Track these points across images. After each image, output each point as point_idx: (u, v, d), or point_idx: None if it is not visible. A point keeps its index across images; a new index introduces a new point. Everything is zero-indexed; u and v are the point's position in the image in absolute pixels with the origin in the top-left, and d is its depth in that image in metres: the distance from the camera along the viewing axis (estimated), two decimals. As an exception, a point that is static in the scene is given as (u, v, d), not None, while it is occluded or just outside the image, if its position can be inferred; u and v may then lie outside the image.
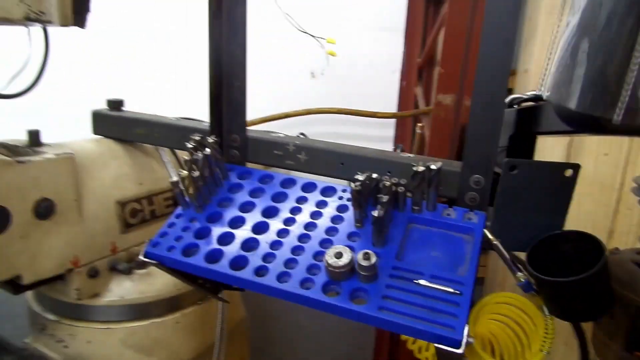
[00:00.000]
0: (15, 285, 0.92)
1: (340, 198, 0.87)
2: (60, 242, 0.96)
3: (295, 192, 0.90)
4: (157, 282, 1.10)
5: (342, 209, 0.85)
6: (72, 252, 0.99)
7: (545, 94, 0.65)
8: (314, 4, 1.74)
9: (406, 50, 1.85)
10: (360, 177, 0.77)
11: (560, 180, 0.75)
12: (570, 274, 0.72)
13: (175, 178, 0.84)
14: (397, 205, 0.82)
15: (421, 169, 0.76)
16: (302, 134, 1.69)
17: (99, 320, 1.05)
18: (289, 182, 0.92)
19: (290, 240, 0.80)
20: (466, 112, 1.41)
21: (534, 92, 0.78)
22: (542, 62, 0.72)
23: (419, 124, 1.52)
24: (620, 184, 1.40)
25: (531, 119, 0.78)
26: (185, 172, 0.84)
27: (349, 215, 0.83)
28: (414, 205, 0.82)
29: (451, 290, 0.70)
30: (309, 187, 0.91)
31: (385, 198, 0.75)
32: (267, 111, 1.68)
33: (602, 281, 0.68)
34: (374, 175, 0.80)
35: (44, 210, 0.91)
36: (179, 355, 1.13)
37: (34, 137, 1.00)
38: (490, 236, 0.78)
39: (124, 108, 1.20)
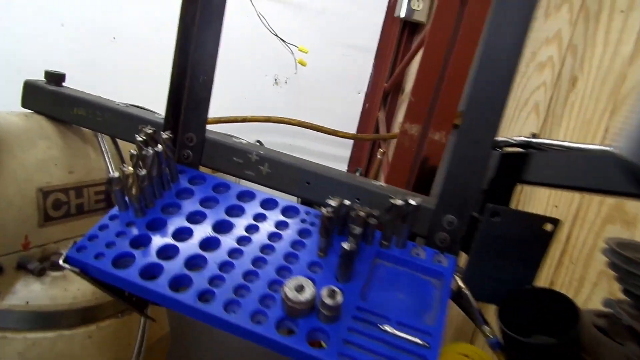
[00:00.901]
0: None
1: (303, 221, 0.79)
2: (-42, 229, 0.80)
3: (253, 207, 0.80)
4: (72, 288, 0.95)
5: (304, 233, 0.77)
6: (-28, 242, 0.83)
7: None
8: (290, 9, 1.66)
9: (374, 72, 1.82)
10: (333, 203, 0.69)
11: (539, 233, 0.72)
12: (537, 332, 0.68)
13: (116, 174, 0.73)
14: (365, 237, 0.75)
15: (399, 202, 0.70)
16: (258, 141, 1.60)
17: (-6, 327, 0.88)
18: (247, 195, 0.83)
19: (244, 263, 0.70)
20: (430, 145, 1.39)
21: (522, 138, 0.75)
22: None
23: (381, 150, 1.48)
24: (567, 237, 1.43)
25: (517, 166, 0.74)
26: (130, 169, 0.72)
27: (312, 241, 0.75)
28: (383, 240, 0.75)
29: (419, 341, 0.63)
30: (269, 203, 0.82)
31: (357, 230, 0.67)
32: (222, 111, 1.57)
33: (575, 347, 0.64)
34: (346, 202, 0.72)
35: (-56, 189, 0.76)
36: (87, 373, 0.98)
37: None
38: (460, 283, 0.72)
39: (64, 84, 1.05)
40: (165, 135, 0.79)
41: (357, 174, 1.51)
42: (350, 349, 0.61)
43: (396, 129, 1.75)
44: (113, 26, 1.68)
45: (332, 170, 0.87)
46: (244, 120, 1.53)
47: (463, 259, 0.78)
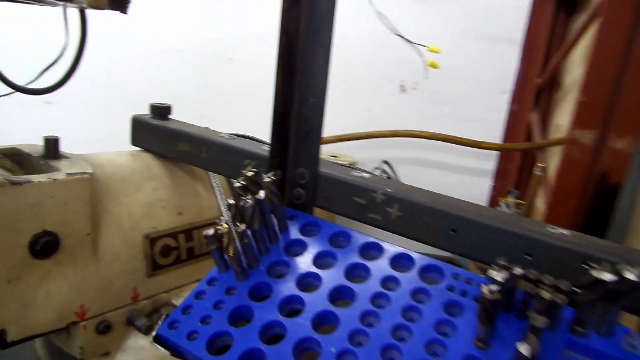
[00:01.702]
0: (2, 339, 0.71)
1: (451, 289, 0.58)
2: (62, 287, 0.75)
3: (381, 267, 0.62)
4: (183, 346, 0.86)
5: (453, 307, 0.56)
6: (79, 300, 0.77)
7: None
8: (415, 3, 1.45)
9: (522, 67, 1.51)
10: (497, 277, 0.47)
11: None
12: None
13: (210, 231, 0.60)
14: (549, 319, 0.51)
15: (608, 277, 0.45)
16: (385, 161, 1.42)
17: (105, 387, 0.82)
18: (373, 249, 0.65)
19: (370, 351, 0.52)
20: (611, 156, 1.07)
21: None
22: None
23: (540, 165, 1.19)
24: None
25: None
26: (224, 226, 0.59)
27: (465, 322, 0.54)
28: (577, 325, 0.51)
29: None
30: (401, 260, 0.63)
31: (541, 322, 0.45)
32: (342, 128, 1.41)
33: None
34: (517, 271, 0.50)
35: (44, 247, 0.71)
36: None
37: (51, 147, 0.80)
38: None
39: (171, 116, 0.98)
40: (267, 178, 0.64)
41: (512, 198, 1.23)
42: None
43: (554, 133, 1.42)
44: (228, 47, 1.64)
45: (488, 212, 0.64)
46: (368, 136, 1.36)
47: None
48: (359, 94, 1.59)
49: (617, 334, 0.51)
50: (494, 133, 1.54)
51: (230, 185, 0.98)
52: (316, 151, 0.75)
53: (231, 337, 0.56)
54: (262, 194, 0.63)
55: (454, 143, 1.32)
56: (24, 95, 1.70)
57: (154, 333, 0.59)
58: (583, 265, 0.55)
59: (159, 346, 0.58)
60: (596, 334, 0.51)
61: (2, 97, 0.90)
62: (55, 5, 0.80)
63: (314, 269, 0.63)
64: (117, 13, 0.82)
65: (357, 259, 0.63)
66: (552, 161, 1.29)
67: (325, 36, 0.72)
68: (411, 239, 0.68)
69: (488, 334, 0.51)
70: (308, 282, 0.62)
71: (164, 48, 1.65)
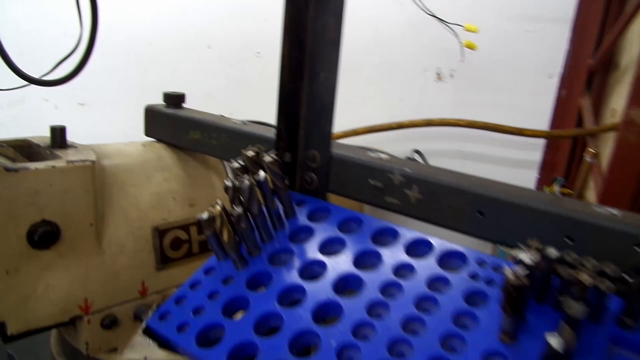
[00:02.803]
0: (2, 332, 0.69)
1: (474, 276, 0.51)
2: (64, 280, 0.73)
3: (395, 253, 0.56)
4: (193, 344, 0.82)
5: (475, 297, 0.50)
6: (82, 293, 0.75)
7: None
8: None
9: (572, 48, 1.40)
10: (526, 258, 0.40)
11: None
12: None
13: (204, 214, 0.55)
14: (590, 310, 0.43)
15: (664, 255, 0.37)
16: (417, 151, 1.34)
17: (114, 383, 0.80)
18: (387, 235, 0.58)
19: (376, 348, 0.46)
20: (676, 137, 0.95)
21: None
22: None
23: (591, 150, 1.08)
24: None
25: None
26: (217, 208, 0.54)
27: (489, 313, 0.47)
28: (626, 316, 0.42)
29: None
30: (418, 246, 0.56)
31: (579, 312, 0.37)
32: (373, 119, 1.34)
33: None
34: (552, 253, 0.42)
35: (43, 237, 0.69)
36: None
37: (57, 136, 0.79)
38: None
39: (185, 105, 0.95)
40: (269, 157, 0.59)
41: (557, 187, 1.13)
42: None
43: (609, 118, 1.30)
44: (256, 41, 1.62)
45: (520, 191, 0.57)
46: (400, 126, 1.29)
47: None
48: (392, 85, 1.52)
49: (678, 329, 0.42)
50: (541, 121, 1.43)
51: (224, 165, 0.94)
52: (328, 131, 0.70)
53: (223, 329, 0.52)
54: (262, 174, 0.58)
55: (494, 131, 1.23)
56: (58, 97, 1.73)
57: (143, 324, 0.55)
58: (636, 249, 0.46)
59: (148, 338, 0.55)
60: (650, 328, 0.43)
61: (15, 90, 0.90)
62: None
63: (319, 256, 0.57)
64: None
65: (368, 245, 0.57)
66: (606, 149, 1.17)
67: (337, 3, 0.66)
68: (433, 223, 0.61)
69: (514, 326, 0.43)
70: (312, 270, 0.57)
71: (193, 45, 1.65)
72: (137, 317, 0.82)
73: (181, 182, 0.89)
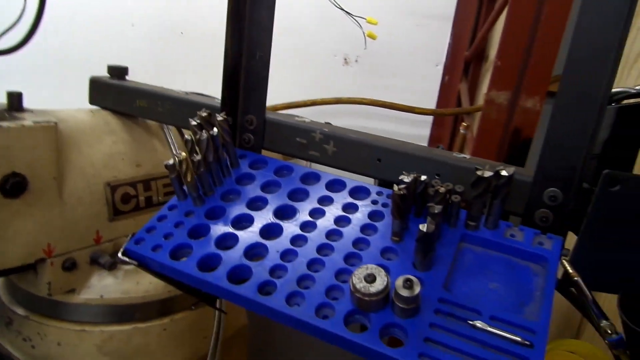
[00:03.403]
0: (-27, 273, 0.78)
1: (375, 202, 0.71)
2: (30, 226, 0.82)
3: (318, 190, 0.74)
4: (144, 281, 0.95)
5: (375, 216, 0.69)
6: (46, 239, 0.84)
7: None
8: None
9: (453, 42, 1.67)
10: (407, 179, 0.60)
11: (673, 206, 0.57)
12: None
13: (170, 161, 0.69)
14: (448, 218, 0.65)
15: (487, 174, 0.59)
16: (327, 123, 1.53)
17: (72, 321, 0.91)
18: (311, 177, 0.76)
19: (308, 251, 0.64)
20: (522, 114, 1.23)
21: (645, 86, 0.61)
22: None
23: (464, 124, 1.35)
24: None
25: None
26: (183, 154, 0.69)
27: (385, 225, 0.67)
28: (469, 220, 0.65)
29: (519, 339, 0.53)
30: (335, 185, 0.75)
31: (437, 208, 0.58)
32: (291, 97, 1.52)
33: None
34: (423, 178, 0.63)
35: (13, 187, 0.77)
36: (165, 367, 0.98)
37: (14, 101, 0.86)
38: (569, 269, 0.60)
39: (127, 77, 1.05)
40: (220, 117, 0.74)
41: (439, 151, 1.39)
42: (433, 348, 0.52)
43: (480, 101, 1.59)
44: (180, 21, 1.70)
45: (407, 144, 0.77)
46: (314, 103, 1.47)
47: (568, 240, 0.65)
48: (306, 68, 1.70)
49: (501, 226, 0.65)
50: (430, 103, 1.70)
51: (183, 135, 1.07)
52: (263, 100, 0.85)
53: (191, 248, 0.67)
54: (215, 130, 0.73)
55: (391, 108, 1.46)
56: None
57: (122, 248, 0.68)
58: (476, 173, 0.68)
59: (127, 259, 0.68)
60: (484, 227, 0.65)
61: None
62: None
63: (261, 194, 0.74)
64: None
65: (298, 184, 0.75)
66: (476, 122, 1.45)
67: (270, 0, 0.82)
68: (345, 170, 0.80)
69: (401, 229, 0.64)
70: (256, 205, 0.73)
71: (116, 22, 1.70)
72: (94, 261, 0.92)
73: (128, 145, 1.00)
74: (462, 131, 1.34)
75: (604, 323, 0.58)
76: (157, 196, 1.04)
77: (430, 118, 1.74)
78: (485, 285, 0.61)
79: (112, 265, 0.92)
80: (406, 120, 1.67)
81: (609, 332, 0.57)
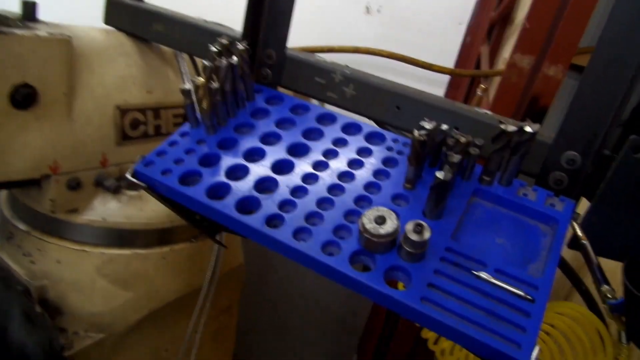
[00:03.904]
0: (-22, 181, 0.78)
1: (389, 149, 0.70)
2: (38, 140, 0.81)
3: (333, 132, 0.73)
4: (147, 209, 0.96)
5: (389, 162, 0.68)
6: (52, 155, 0.84)
7: None
8: None
9: (479, 1, 1.61)
10: (427, 125, 0.59)
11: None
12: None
13: (187, 85, 0.68)
14: (463, 171, 0.64)
15: (511, 129, 0.58)
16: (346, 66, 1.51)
17: (73, 240, 0.91)
18: (327, 118, 0.75)
19: (318, 189, 0.64)
20: (543, 81, 1.21)
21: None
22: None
23: (482, 85, 1.32)
24: None
25: (672, 90, 0.59)
26: (201, 80, 0.67)
27: (398, 172, 0.66)
28: (484, 175, 0.64)
29: (521, 293, 0.53)
30: (351, 128, 0.74)
31: (456, 158, 0.57)
32: (308, 42, 1.48)
33: None
34: (444, 127, 0.62)
35: (24, 98, 0.76)
36: (160, 294, 1.00)
37: (29, 10, 0.83)
38: (579, 232, 0.60)
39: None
40: (241, 46, 0.72)
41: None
42: (435, 293, 0.53)
43: (501, 65, 1.56)
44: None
45: (427, 94, 0.76)
46: (331, 50, 1.44)
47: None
48: (327, 13, 1.65)
49: (514, 184, 0.65)
50: (448, 62, 1.66)
51: (178, 61, 1.04)
52: (285, 35, 0.83)
53: (200, 175, 0.66)
54: (234, 58, 0.71)
55: (409, 63, 1.43)
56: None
57: (130, 169, 0.68)
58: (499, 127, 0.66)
59: (135, 180, 0.67)
60: (498, 184, 0.65)
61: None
62: None
63: (276, 129, 0.73)
64: None
65: (313, 124, 0.74)
66: (493, 89, 1.43)
67: None
68: (363, 115, 0.79)
69: (415, 177, 0.63)
70: (269, 140, 0.72)
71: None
72: (99, 184, 0.92)
73: (141, 70, 0.97)
74: (479, 93, 1.31)
75: (604, 287, 0.58)
76: (167, 126, 1.03)
77: (445, 79, 1.71)
78: (493, 240, 0.61)
79: (117, 189, 0.92)
80: (422, 78, 1.64)
81: (609, 296, 0.58)
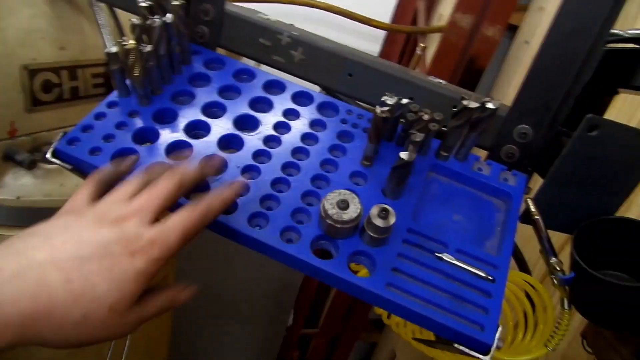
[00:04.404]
0: None
1: (344, 121, 0.66)
2: None
3: (283, 102, 0.67)
4: (69, 184, 0.85)
5: (345, 136, 0.65)
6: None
7: None
8: None
9: (416, -47, 1.57)
10: (389, 101, 0.56)
11: (640, 155, 0.59)
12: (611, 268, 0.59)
13: (113, 49, 0.59)
14: (420, 146, 0.62)
15: (473, 105, 0.56)
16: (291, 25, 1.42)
17: (-17, 222, 0.80)
18: (275, 86, 0.69)
19: (272, 168, 0.59)
20: (481, 42, 1.21)
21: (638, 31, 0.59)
22: None
23: (421, 45, 1.30)
24: None
25: (625, 67, 0.60)
26: (132, 43, 0.58)
27: (354, 147, 0.63)
28: (442, 150, 0.63)
29: (483, 274, 0.53)
30: (303, 97, 0.69)
31: (419, 137, 0.55)
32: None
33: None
34: (404, 101, 0.59)
35: None
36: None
37: None
38: (532, 207, 0.61)
39: None
40: (176, 1, 0.63)
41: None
42: (399, 278, 0.52)
43: (436, 22, 1.54)
44: None
45: (382, 61, 0.72)
46: (267, 0, 1.33)
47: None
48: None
49: (470, 159, 0.64)
50: (383, 17, 1.62)
51: (117, 19, 0.92)
52: (222, -12, 0.74)
53: (136, 154, 0.59)
54: (169, 16, 0.62)
55: (347, 17, 1.37)
56: None
57: (51, 148, 0.58)
58: (453, 109, 0.65)
59: (57, 161, 0.58)
60: (454, 158, 0.64)
61: None
62: None
63: (218, 99, 0.66)
64: None
65: (260, 93, 0.68)
66: (431, 48, 1.42)
67: None
68: (311, 82, 0.73)
69: (374, 154, 0.60)
70: (212, 111, 0.65)
71: None
72: (9, 157, 0.80)
73: (50, 22, 0.84)
74: (418, 52, 1.29)
75: (553, 260, 0.60)
76: (85, 88, 0.91)
77: (381, 34, 1.67)
78: (450, 217, 0.60)
79: (32, 164, 0.80)
80: (358, 33, 1.59)
81: (558, 268, 0.59)
